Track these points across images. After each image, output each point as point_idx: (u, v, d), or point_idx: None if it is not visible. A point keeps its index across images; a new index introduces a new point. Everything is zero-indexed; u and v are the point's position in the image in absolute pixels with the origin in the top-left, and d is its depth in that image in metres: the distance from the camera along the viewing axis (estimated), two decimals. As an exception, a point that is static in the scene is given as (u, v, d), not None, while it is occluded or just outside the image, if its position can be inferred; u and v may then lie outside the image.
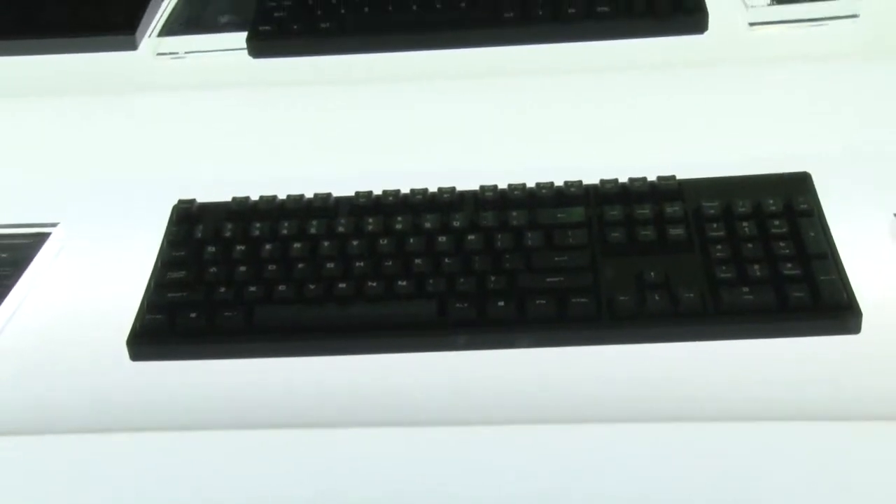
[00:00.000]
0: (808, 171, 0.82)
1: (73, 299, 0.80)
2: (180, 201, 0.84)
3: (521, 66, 0.88)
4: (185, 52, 0.88)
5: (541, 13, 0.88)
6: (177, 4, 0.93)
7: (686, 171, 0.82)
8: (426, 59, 0.89)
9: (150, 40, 0.88)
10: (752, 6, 0.90)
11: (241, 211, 0.84)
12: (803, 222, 0.78)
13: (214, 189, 0.83)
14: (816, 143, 0.84)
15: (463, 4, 0.89)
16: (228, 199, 0.84)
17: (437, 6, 0.89)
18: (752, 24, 0.90)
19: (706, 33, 0.87)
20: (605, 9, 0.88)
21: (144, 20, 0.88)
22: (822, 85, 0.86)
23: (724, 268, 0.75)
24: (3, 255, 0.81)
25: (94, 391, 0.72)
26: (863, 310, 0.71)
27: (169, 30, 0.89)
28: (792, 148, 0.85)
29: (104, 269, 0.81)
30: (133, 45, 0.86)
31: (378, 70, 0.88)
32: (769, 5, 0.90)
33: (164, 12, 0.91)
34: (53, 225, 0.83)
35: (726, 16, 0.90)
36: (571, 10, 0.88)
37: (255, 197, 0.84)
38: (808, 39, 0.88)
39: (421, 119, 0.87)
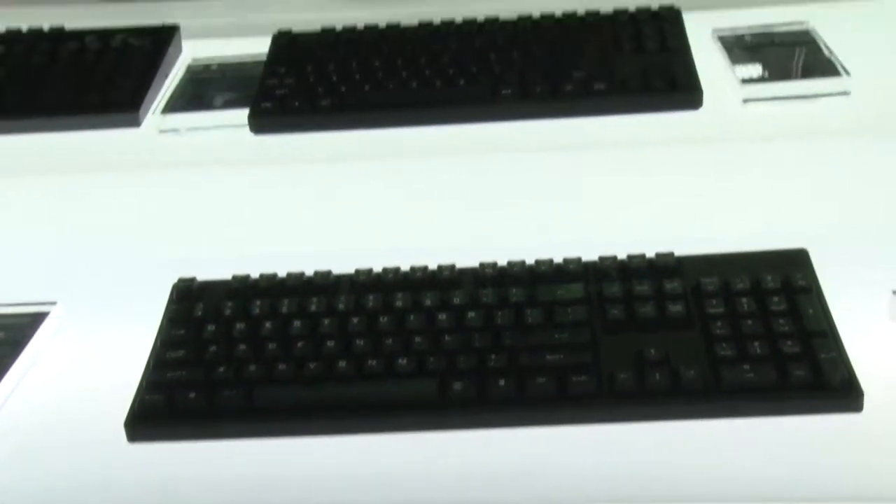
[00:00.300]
0: (804, 247, 0.83)
1: (71, 379, 0.80)
2: (180, 279, 0.84)
3: (519, 143, 0.89)
4: (188, 129, 0.89)
5: (539, 90, 0.89)
6: (180, 82, 0.94)
7: (684, 246, 0.83)
8: (426, 135, 0.89)
9: (153, 117, 0.89)
10: (745, 83, 0.91)
11: (241, 289, 0.84)
12: (802, 299, 0.78)
13: (216, 266, 0.83)
14: (813, 219, 0.85)
15: (462, 81, 0.91)
16: (229, 276, 0.84)
17: (437, 83, 0.90)
18: (745, 101, 0.91)
19: (701, 109, 0.89)
20: (602, 86, 0.89)
21: (148, 98, 0.88)
22: (817, 161, 0.87)
23: (724, 345, 0.75)
24: (1, 335, 0.81)
25: (91, 473, 0.71)
26: (864, 388, 0.71)
27: (172, 107, 0.90)
28: (789, 223, 0.86)
29: (103, 348, 0.81)
30: (136, 123, 0.86)
31: (378, 146, 0.88)
32: (762, 82, 0.91)
33: (167, 90, 0.92)
34: (52, 304, 0.83)
35: (720, 92, 0.91)
36: (569, 87, 0.89)
37: (255, 274, 0.84)
38: (802, 116, 0.89)
39: (421, 195, 0.87)
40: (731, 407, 0.73)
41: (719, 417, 0.72)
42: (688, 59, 0.91)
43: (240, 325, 0.80)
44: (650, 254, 0.83)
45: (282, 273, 0.84)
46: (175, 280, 0.84)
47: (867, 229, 0.84)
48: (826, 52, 0.93)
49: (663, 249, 0.83)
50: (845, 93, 0.89)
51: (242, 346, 0.78)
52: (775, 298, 0.78)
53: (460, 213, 0.86)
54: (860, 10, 1.02)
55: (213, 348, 0.79)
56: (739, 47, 0.95)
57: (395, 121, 0.89)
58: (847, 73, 0.89)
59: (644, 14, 0.97)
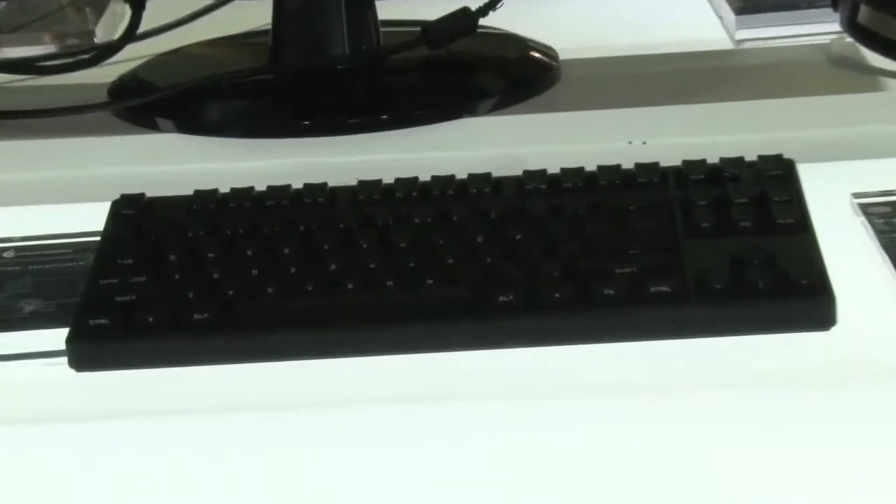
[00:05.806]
0: None
1: None
2: None
3: (523, 383, 0.57)
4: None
5: (557, 296, 0.61)
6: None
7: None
8: (363, 368, 0.59)
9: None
10: None
11: None
12: None
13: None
14: None
15: (429, 281, 0.63)
16: None
17: (388, 283, 0.63)
18: None
19: (834, 328, 0.58)
20: (664, 288, 0.60)
21: None
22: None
23: None
24: None
25: None
26: None
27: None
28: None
29: None
30: None
31: (281, 386, 0.58)
32: None
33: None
34: None
35: (865, 300, 0.60)
36: (607, 291, 0.60)
37: None
38: None
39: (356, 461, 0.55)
40: None
41: None
42: (809, 243, 0.64)
43: None
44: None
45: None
46: None
47: None
48: None
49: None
50: None
51: None
52: None
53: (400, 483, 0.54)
54: None
55: None
56: (894, 221, 0.66)
57: (314, 347, 0.61)
58: None
59: (731, 167, 0.67)
